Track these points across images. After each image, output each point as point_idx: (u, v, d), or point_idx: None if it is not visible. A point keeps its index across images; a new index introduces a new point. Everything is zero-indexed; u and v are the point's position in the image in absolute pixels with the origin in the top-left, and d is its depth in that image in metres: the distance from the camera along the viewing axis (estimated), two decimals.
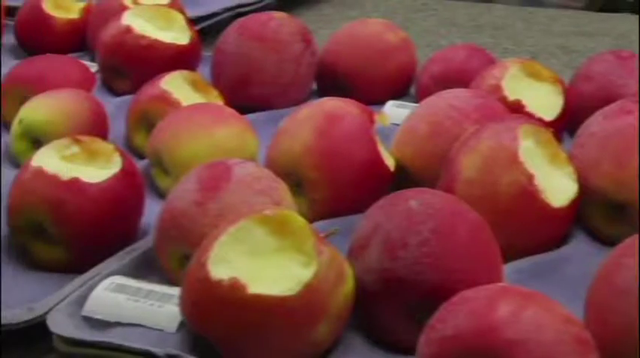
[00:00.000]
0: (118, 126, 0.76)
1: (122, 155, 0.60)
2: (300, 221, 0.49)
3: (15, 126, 0.72)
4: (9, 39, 0.97)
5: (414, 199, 0.51)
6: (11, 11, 1.01)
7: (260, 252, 0.48)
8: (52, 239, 0.57)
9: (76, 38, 0.94)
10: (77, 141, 0.59)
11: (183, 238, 0.53)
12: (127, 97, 0.81)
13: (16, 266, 0.58)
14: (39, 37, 0.93)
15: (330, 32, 1.07)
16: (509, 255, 0.54)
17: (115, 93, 0.85)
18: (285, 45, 0.80)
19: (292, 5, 1.18)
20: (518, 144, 0.57)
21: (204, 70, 0.83)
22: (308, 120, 0.63)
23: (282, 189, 0.56)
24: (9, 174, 0.68)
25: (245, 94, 0.80)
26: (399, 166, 0.64)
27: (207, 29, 1.01)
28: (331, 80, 0.84)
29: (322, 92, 0.84)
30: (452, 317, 0.43)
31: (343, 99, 0.65)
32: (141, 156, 0.71)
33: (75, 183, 0.57)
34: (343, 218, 0.60)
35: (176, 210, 0.54)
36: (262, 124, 0.74)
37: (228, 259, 0.47)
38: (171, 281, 0.55)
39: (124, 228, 0.59)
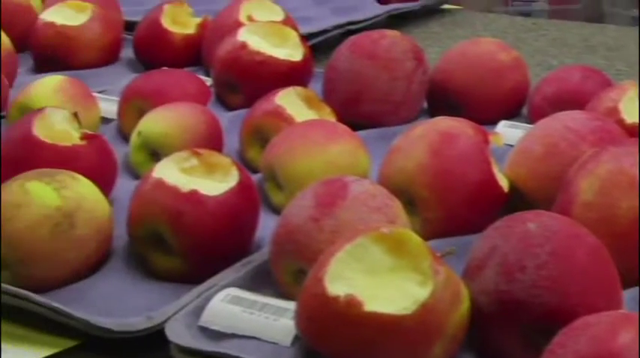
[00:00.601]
0: (231, 140, 0.77)
1: (239, 169, 0.61)
2: (417, 240, 0.49)
3: (134, 137, 0.74)
4: (127, 53, 1.00)
5: (531, 221, 0.50)
6: (130, 26, 1.04)
7: (376, 269, 0.48)
8: (171, 249, 0.59)
9: (191, 53, 0.96)
10: (196, 154, 0.61)
11: (299, 253, 0.54)
12: (240, 112, 0.83)
13: (135, 275, 0.60)
14: (157, 52, 0.96)
15: (439, 50, 1.07)
16: (627, 281, 0.53)
17: (228, 107, 0.87)
18: (397, 63, 0.81)
19: (401, 23, 1.19)
20: (638, 168, 0.56)
21: (315, 87, 0.84)
22: (422, 139, 0.63)
23: (397, 207, 0.56)
24: (128, 184, 0.70)
25: (356, 111, 0.81)
26: (513, 187, 0.64)
27: (317, 45, 1.02)
28: (442, 99, 0.84)
29: (433, 110, 0.85)
30: (572, 343, 0.42)
31: (457, 118, 0.65)
32: (253, 170, 0.72)
33: (194, 195, 0.58)
34: (457, 238, 0.60)
35: (292, 225, 0.55)
36: (373, 141, 0.74)
37: (344, 276, 0.48)
38: (285, 295, 0.55)
39: (239, 240, 0.60)
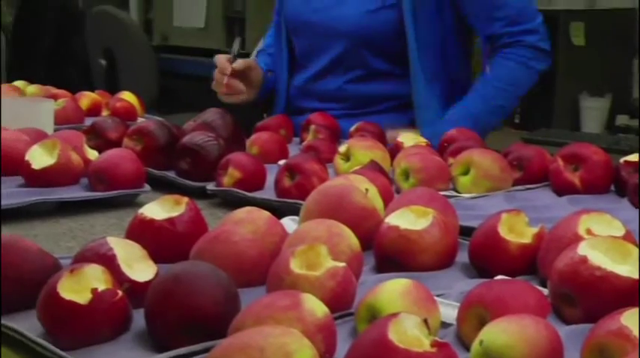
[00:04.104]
0: (569, 356, 0.76)
1: None
2: None
3: (475, 346, 0.75)
4: (462, 257, 1.03)
5: None
6: (466, 231, 1.08)
7: None
8: None
9: (527, 262, 0.98)
10: None
11: None
12: (579, 327, 0.82)
13: None
14: (492, 259, 0.98)
15: None
16: None
17: (565, 320, 0.86)
18: None
19: None
20: None
21: None
22: None
23: None
24: None
25: None
26: None
27: None
28: None
29: None
30: None
31: None
32: None
33: None
34: None
35: None
36: None
37: None
38: None
39: None
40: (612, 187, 1.39)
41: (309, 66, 1.98)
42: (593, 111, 3.15)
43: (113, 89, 2.49)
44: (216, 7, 3.76)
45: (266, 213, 1.04)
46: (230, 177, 1.36)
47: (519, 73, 1.87)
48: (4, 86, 2.07)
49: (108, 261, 0.86)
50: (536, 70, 1.88)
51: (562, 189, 1.37)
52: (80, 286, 0.80)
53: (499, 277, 0.94)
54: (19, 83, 2.12)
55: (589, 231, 0.94)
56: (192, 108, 2.58)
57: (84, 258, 0.88)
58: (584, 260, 0.85)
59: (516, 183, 1.42)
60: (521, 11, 1.86)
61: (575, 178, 1.37)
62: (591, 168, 1.36)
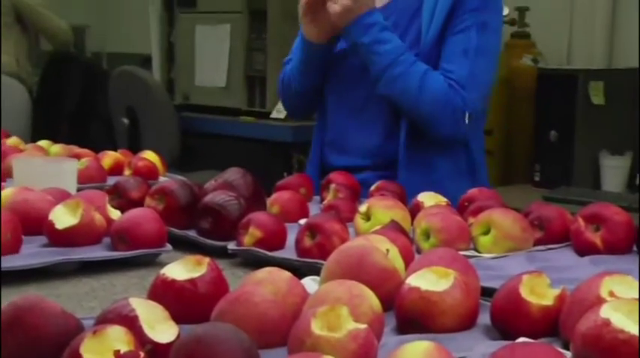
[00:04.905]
0: None
1: None
2: None
3: None
4: (484, 319, 1.03)
5: None
6: (487, 292, 1.08)
7: None
8: None
9: (549, 324, 0.97)
10: None
11: None
12: None
13: None
14: (514, 321, 0.98)
15: None
16: None
17: None
18: None
19: None
20: None
21: None
22: None
23: None
24: None
25: None
26: None
27: None
28: None
29: None
30: None
31: None
32: None
33: None
34: None
35: None
36: None
37: None
38: None
39: None
40: (634, 247, 1.39)
41: (342, 121, 1.95)
42: (614, 170, 3.15)
43: (135, 147, 2.51)
44: (238, 67, 3.80)
45: (287, 274, 1.05)
46: (251, 236, 1.36)
47: (442, 98, 1.80)
48: (29, 146, 2.10)
49: (130, 322, 0.87)
50: (457, 110, 1.81)
51: (583, 249, 1.37)
52: (103, 347, 0.80)
53: (521, 339, 0.94)
54: (43, 143, 2.15)
55: (611, 293, 0.94)
56: (214, 167, 2.61)
57: (106, 319, 0.88)
58: (606, 323, 0.85)
59: (537, 243, 1.42)
60: (468, 77, 1.81)
61: (596, 238, 1.37)
62: (613, 228, 1.36)
